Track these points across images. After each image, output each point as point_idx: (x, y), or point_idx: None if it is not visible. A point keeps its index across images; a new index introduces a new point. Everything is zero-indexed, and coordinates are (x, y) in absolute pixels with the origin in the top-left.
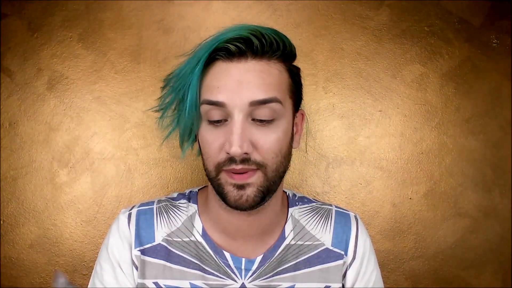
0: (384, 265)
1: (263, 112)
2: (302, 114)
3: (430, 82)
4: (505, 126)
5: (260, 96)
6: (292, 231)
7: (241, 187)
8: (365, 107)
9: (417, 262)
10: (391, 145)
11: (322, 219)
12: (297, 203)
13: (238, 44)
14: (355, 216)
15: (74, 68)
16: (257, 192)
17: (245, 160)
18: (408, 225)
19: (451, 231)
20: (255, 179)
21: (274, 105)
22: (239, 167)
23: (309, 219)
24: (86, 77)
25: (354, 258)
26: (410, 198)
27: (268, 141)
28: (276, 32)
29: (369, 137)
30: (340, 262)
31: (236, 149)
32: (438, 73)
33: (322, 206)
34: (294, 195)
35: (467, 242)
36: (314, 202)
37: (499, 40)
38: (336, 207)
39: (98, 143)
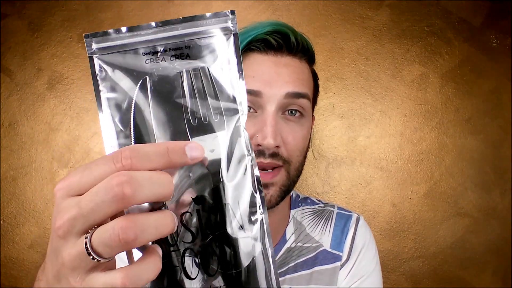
0: (384, 265)
1: (294, 107)
2: (313, 118)
3: (430, 82)
4: (505, 126)
5: (296, 89)
6: (294, 234)
7: (264, 186)
8: (365, 107)
9: (417, 262)
10: (391, 145)
11: (323, 221)
12: (299, 205)
13: (277, 38)
14: (357, 218)
15: (74, 68)
16: (280, 191)
17: (274, 154)
18: (408, 225)
19: (451, 231)
20: (279, 179)
21: (305, 101)
22: (267, 161)
23: (310, 221)
24: (86, 77)
25: (348, 259)
26: (410, 198)
27: (296, 137)
28: (302, 35)
29: (369, 137)
30: (338, 264)
31: (270, 141)
32: (438, 73)
33: (325, 208)
34: (298, 195)
35: (467, 242)
36: (318, 203)
37: (499, 40)
38: (339, 208)
39: (98, 143)
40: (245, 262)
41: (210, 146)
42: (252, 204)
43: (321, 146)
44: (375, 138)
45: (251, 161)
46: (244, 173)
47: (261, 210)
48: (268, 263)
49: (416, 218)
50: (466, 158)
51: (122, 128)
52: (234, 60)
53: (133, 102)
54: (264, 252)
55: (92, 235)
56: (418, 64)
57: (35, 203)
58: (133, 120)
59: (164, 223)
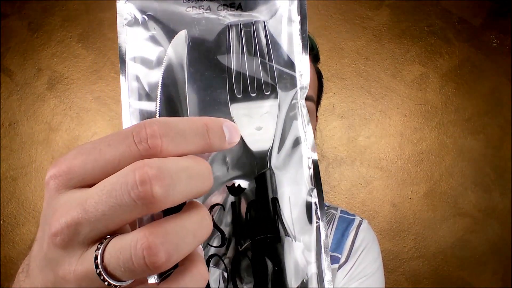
0: (384, 265)
1: None
2: (317, 118)
3: (430, 82)
4: (505, 126)
5: None
6: None
7: None
8: (365, 107)
9: (417, 262)
10: (391, 145)
11: None
12: None
13: None
14: (360, 221)
15: (74, 68)
16: None
17: None
18: (408, 225)
19: (451, 231)
20: None
21: (309, 103)
22: None
23: None
24: (86, 77)
25: (346, 260)
26: (410, 198)
27: None
28: None
29: (369, 137)
30: (336, 265)
31: None
32: (438, 73)
33: (327, 211)
34: None
35: (467, 242)
36: None
37: (499, 40)
38: (341, 212)
39: None
40: (292, 284)
41: (257, 123)
42: (308, 205)
43: (321, 146)
44: (375, 138)
45: (309, 148)
46: (300, 163)
47: (319, 214)
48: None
49: (416, 218)
50: (466, 158)
51: (147, 90)
52: (297, 19)
53: (165, 60)
54: (319, 275)
55: (104, 250)
56: (418, 64)
57: (35, 203)
58: (162, 82)
59: (203, 225)
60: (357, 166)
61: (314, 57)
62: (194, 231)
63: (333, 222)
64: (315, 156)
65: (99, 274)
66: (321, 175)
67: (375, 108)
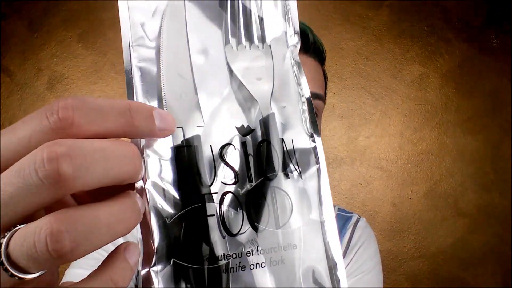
0: (384, 265)
1: None
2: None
3: (430, 82)
4: (505, 126)
5: (312, 89)
6: None
7: None
8: (365, 107)
9: (417, 262)
10: (391, 145)
11: None
12: None
13: None
14: (357, 219)
15: (74, 68)
16: None
17: None
18: (408, 225)
19: (451, 231)
20: None
21: (320, 102)
22: None
23: None
24: (86, 77)
25: (343, 257)
26: (410, 198)
27: None
28: (316, 35)
29: (369, 137)
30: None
31: None
32: (438, 73)
33: None
34: None
35: (467, 242)
36: None
37: (499, 40)
38: (339, 210)
39: None
40: (298, 219)
41: (256, 74)
42: (308, 149)
43: None
44: (375, 138)
45: (305, 98)
46: (298, 112)
47: (319, 157)
48: (325, 234)
49: (416, 218)
50: (466, 158)
51: (148, 38)
52: None
53: (164, 5)
54: (320, 213)
55: (10, 239)
56: (418, 64)
57: None
58: (166, 29)
59: (122, 218)
60: (357, 166)
61: (321, 60)
62: (109, 223)
63: None
64: (311, 107)
65: (1, 263)
66: None
67: (375, 108)
